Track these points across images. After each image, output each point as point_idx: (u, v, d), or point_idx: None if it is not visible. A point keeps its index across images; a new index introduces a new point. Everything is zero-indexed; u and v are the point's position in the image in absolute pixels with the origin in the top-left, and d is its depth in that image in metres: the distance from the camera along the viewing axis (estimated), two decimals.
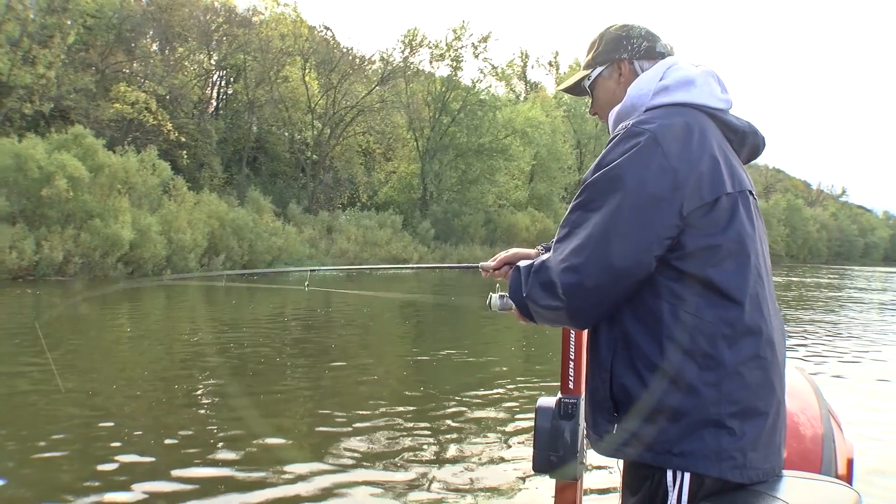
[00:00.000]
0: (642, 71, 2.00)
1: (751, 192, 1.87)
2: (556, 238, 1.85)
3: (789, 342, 12.36)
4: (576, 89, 2.19)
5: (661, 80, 1.92)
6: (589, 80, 2.11)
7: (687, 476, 1.69)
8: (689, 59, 2.00)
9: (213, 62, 43.56)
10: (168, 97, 37.24)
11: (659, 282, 1.73)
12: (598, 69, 2.08)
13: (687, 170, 1.72)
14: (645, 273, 1.72)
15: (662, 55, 2.02)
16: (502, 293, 2.29)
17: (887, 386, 10.21)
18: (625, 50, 2.04)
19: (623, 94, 1.99)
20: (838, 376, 10.57)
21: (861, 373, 11.01)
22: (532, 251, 2.24)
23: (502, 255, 2.28)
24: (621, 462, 1.89)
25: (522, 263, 1.91)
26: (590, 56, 2.11)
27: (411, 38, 48.41)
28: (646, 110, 1.89)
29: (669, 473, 1.70)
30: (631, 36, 2.04)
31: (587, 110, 2.61)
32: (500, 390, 9.04)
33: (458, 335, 14.82)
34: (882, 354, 13.24)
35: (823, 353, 12.71)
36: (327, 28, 52.42)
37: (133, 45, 38.01)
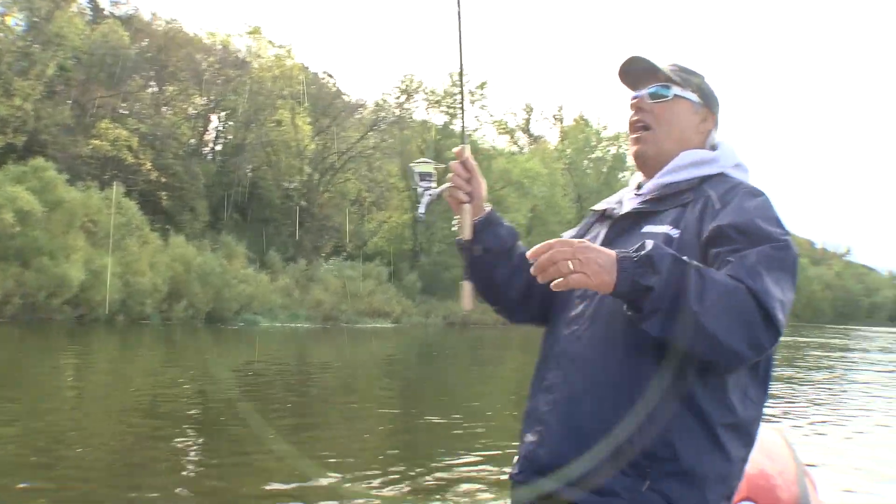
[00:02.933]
0: (713, 136, 2.08)
1: None
2: (748, 268, 1.69)
3: (777, 404, 13.28)
4: (638, 76, 2.05)
5: (737, 157, 2.05)
6: (672, 89, 2.02)
7: None
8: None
9: (202, 102, 42.54)
10: (155, 136, 36.09)
11: None
12: (691, 94, 2.04)
13: None
14: None
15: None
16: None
17: (863, 445, 10.14)
18: (717, 108, 2.11)
19: (695, 140, 2.04)
20: (819, 434, 10.75)
21: (837, 431, 11.25)
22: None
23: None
24: None
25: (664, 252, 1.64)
26: (686, 75, 2.05)
27: (407, 84, 47.36)
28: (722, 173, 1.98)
29: None
30: (719, 102, 2.12)
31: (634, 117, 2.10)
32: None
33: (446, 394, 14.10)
34: (866, 414, 13.33)
35: (807, 414, 12.81)
36: (330, 75, 51.66)
37: (122, 82, 36.85)
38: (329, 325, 33.30)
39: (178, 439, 8.65)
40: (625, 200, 2.09)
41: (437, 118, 48.63)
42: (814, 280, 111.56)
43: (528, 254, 1.66)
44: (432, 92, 47.81)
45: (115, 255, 25.60)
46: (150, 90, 40.51)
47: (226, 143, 45.14)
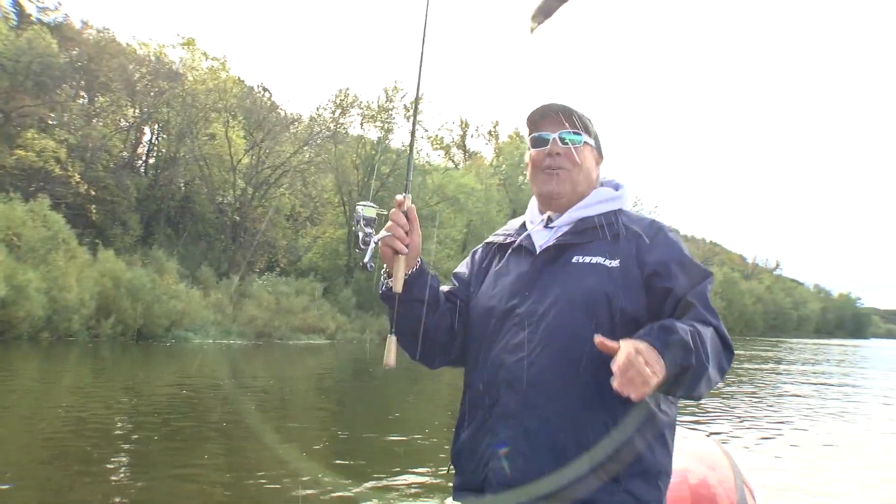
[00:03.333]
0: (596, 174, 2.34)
1: None
2: (707, 307, 2.04)
3: (713, 415, 14.22)
4: (547, 120, 2.25)
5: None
6: (582, 135, 2.24)
7: None
8: None
9: (134, 114, 41.74)
10: (85, 148, 35.24)
11: None
12: (591, 140, 2.27)
13: None
14: None
15: None
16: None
17: (799, 452, 10.79)
18: (600, 149, 2.34)
19: (595, 179, 2.30)
20: (756, 445, 11.18)
21: (772, 441, 11.67)
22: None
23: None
24: None
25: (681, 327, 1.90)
26: (587, 123, 2.26)
27: (342, 98, 47.16)
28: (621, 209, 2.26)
29: None
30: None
31: (535, 162, 2.32)
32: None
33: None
34: (798, 423, 13.98)
35: (744, 425, 13.36)
36: (265, 89, 51.07)
37: (50, 91, 35.91)
38: (262, 342, 32.84)
39: (109, 460, 8.44)
40: (534, 234, 2.25)
41: (372, 133, 48.47)
42: (745, 294, 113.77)
43: (615, 368, 1.77)
44: (367, 107, 47.65)
45: (39, 270, 24.92)
46: (80, 101, 39.59)
47: (158, 157, 44.31)
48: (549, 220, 2.25)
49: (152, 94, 40.47)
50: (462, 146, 74.06)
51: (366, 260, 2.13)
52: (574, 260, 2.11)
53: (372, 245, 2.10)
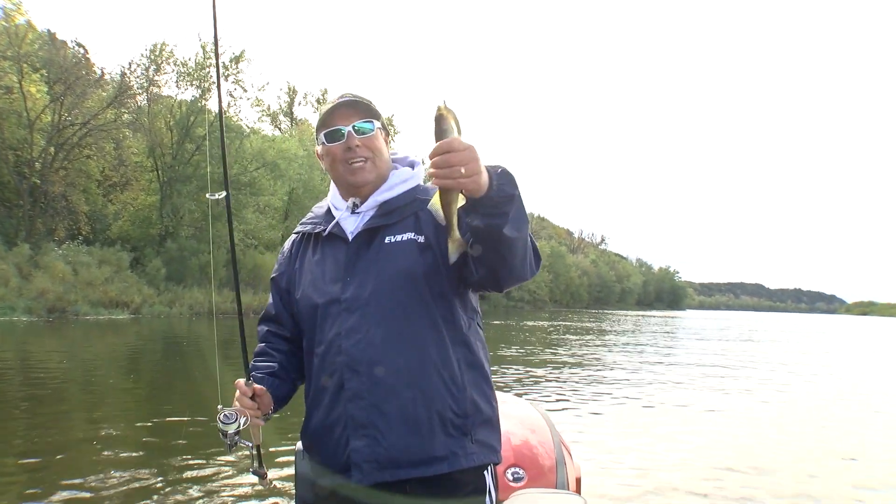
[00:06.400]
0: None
1: None
2: None
3: (533, 381, 15.13)
4: (340, 113, 2.31)
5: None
6: (374, 123, 2.31)
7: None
8: None
9: None
10: None
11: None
12: (379, 123, 2.34)
13: None
14: None
15: None
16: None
17: (611, 415, 11.51)
18: (386, 128, 2.42)
19: (388, 156, 2.39)
20: (571, 408, 11.81)
21: (590, 405, 12.31)
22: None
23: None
24: None
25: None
26: (375, 108, 2.34)
27: (157, 54, 43.74)
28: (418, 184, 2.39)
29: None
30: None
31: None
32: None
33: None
34: (611, 387, 14.87)
35: (563, 390, 14.02)
36: (80, 45, 46.28)
37: None
38: (54, 318, 29.82)
39: None
40: (343, 221, 2.34)
41: (188, 94, 45.31)
42: (571, 267, 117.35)
43: (430, 155, 1.76)
44: (184, 64, 44.43)
45: None
46: None
47: None
48: (355, 205, 2.34)
49: None
50: (289, 114, 71.66)
51: (232, 449, 2.34)
52: (387, 240, 2.22)
53: (236, 438, 2.31)
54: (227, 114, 44.75)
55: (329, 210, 2.41)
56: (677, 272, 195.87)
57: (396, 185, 2.32)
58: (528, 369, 17.24)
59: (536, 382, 14.87)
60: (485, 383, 2.24)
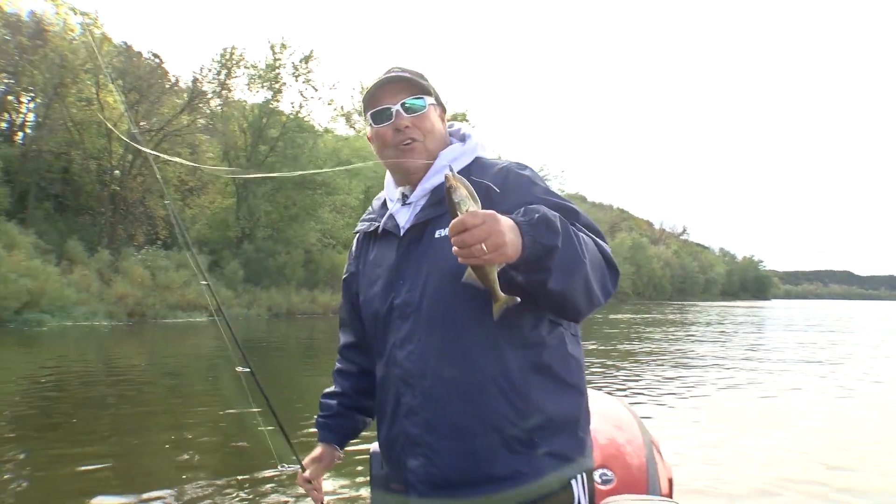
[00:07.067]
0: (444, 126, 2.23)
1: None
2: (590, 225, 1.94)
3: (616, 373, 14.88)
4: (387, 90, 2.11)
5: (478, 138, 2.21)
6: (424, 98, 2.12)
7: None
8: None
9: None
10: None
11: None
12: (433, 98, 2.15)
13: None
14: None
15: None
16: None
17: (700, 410, 11.03)
18: (440, 103, 2.21)
19: (445, 137, 2.18)
20: (658, 404, 11.29)
21: (677, 400, 11.84)
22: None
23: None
24: None
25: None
26: (426, 81, 2.15)
27: (227, 57, 43.83)
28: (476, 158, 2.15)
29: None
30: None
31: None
32: None
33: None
34: (697, 381, 14.31)
35: (651, 385, 13.47)
36: (156, 55, 46.76)
37: None
38: (133, 322, 29.93)
39: None
40: (396, 214, 2.15)
41: (258, 96, 45.30)
42: (653, 258, 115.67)
43: (449, 232, 1.62)
44: (254, 66, 44.41)
45: None
46: None
47: (26, 123, 40.47)
48: (404, 196, 2.16)
49: (16, 54, 36.51)
50: (364, 113, 71.63)
51: None
52: (437, 235, 2.03)
53: None
54: (298, 114, 44.72)
55: (384, 203, 2.26)
56: (762, 261, 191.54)
57: (445, 166, 2.00)
58: (612, 363, 16.74)
59: (620, 377, 14.45)
60: (561, 387, 2.00)
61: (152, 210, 40.38)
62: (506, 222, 1.61)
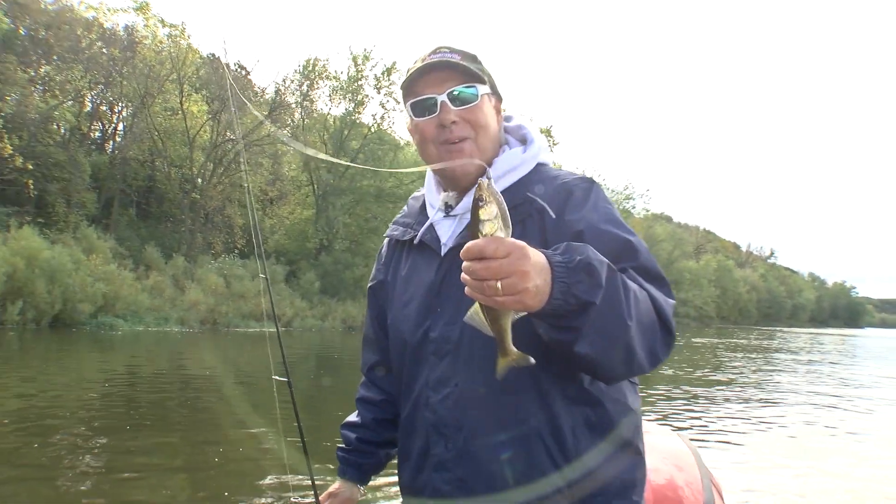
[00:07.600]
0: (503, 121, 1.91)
1: None
2: (644, 270, 1.62)
3: (679, 407, 13.34)
4: (432, 77, 1.77)
5: (542, 140, 1.90)
6: (476, 88, 1.78)
7: None
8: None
9: (84, 85, 38.37)
10: (22, 120, 31.88)
11: None
12: (487, 87, 1.82)
13: None
14: None
15: None
16: None
17: (773, 451, 9.95)
18: (496, 91, 1.89)
19: (498, 133, 1.86)
20: (728, 441, 10.36)
21: (747, 436, 10.96)
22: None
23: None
24: None
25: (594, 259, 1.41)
26: (478, 66, 1.82)
27: (310, 68, 43.92)
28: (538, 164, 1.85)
29: None
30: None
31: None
32: None
33: None
34: (773, 416, 13.13)
35: (720, 417, 12.60)
36: (241, 67, 47.46)
37: None
38: (205, 329, 29.91)
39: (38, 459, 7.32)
40: (437, 225, 1.86)
41: (339, 108, 45.34)
42: (740, 282, 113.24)
43: (462, 254, 1.30)
44: (336, 77, 44.42)
45: None
46: (29, 72, 36.09)
47: (116, 132, 41.35)
48: (448, 206, 1.84)
49: (108, 64, 37.22)
50: None
51: None
52: None
53: None
54: (379, 126, 44.58)
55: (424, 206, 1.96)
56: (854, 287, 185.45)
57: (501, 176, 1.78)
58: (682, 391, 15.81)
59: (689, 408, 13.51)
60: (618, 447, 1.70)
61: (231, 219, 40.58)
62: (536, 261, 1.29)
